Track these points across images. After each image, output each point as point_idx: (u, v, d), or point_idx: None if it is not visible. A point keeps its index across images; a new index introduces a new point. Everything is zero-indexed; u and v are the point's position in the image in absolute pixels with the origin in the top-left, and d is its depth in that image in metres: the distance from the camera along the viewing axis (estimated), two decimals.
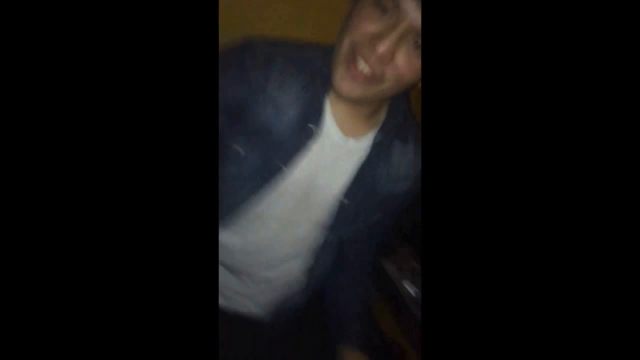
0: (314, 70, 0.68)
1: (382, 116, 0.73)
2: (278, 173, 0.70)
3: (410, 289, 1.15)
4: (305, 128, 0.68)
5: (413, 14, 0.55)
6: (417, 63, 0.59)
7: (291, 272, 0.84)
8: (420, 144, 0.77)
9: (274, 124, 0.68)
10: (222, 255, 0.80)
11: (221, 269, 0.83)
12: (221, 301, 0.86)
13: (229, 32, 0.66)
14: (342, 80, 0.60)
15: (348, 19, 0.61)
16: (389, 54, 0.57)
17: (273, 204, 0.73)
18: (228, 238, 0.78)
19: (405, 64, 0.58)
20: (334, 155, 0.72)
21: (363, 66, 0.58)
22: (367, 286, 0.93)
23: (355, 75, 0.59)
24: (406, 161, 0.77)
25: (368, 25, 0.58)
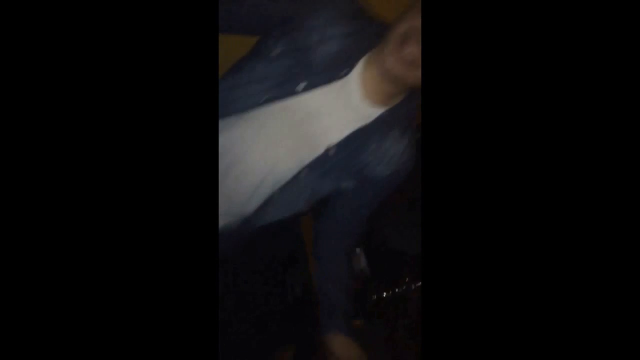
0: (362, 30, 0.75)
1: (396, 102, 0.79)
2: (289, 92, 0.74)
3: None
4: (333, 70, 0.73)
5: None
6: None
7: (254, 191, 0.83)
8: (413, 144, 0.83)
9: (311, 49, 0.73)
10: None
11: None
12: None
13: None
14: (390, 56, 0.68)
15: (410, 7, 0.69)
16: None
17: (271, 116, 0.76)
18: (226, 132, 0.78)
19: None
20: (343, 108, 0.76)
21: (410, 51, 0.66)
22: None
23: (401, 56, 0.67)
24: (395, 150, 0.82)
25: None
